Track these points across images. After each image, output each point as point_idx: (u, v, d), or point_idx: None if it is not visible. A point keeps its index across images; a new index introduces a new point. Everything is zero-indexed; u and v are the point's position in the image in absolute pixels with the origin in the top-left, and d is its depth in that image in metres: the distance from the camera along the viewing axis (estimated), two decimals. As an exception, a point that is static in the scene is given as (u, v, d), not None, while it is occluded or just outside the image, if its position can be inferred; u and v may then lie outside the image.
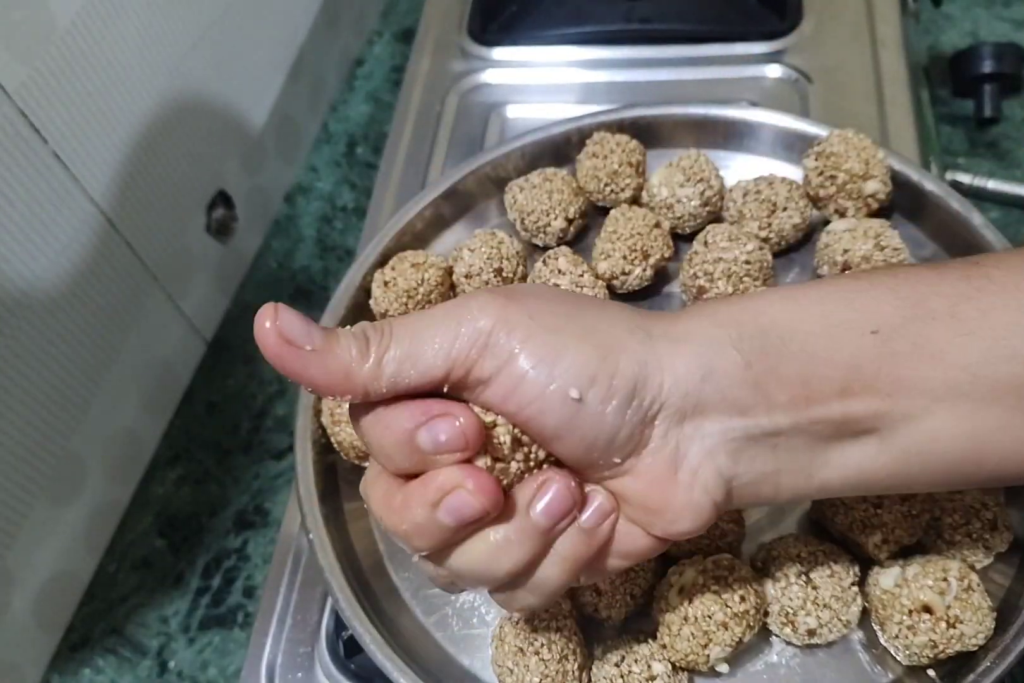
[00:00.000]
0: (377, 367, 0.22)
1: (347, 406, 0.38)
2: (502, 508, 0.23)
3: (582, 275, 0.40)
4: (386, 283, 0.41)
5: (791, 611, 0.32)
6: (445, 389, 0.23)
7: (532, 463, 0.24)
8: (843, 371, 0.24)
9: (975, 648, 0.31)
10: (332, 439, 0.39)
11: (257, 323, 0.22)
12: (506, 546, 0.23)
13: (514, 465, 0.24)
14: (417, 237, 0.45)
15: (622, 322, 0.24)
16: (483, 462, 0.23)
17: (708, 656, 0.31)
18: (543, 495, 0.23)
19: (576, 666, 0.32)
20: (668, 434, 0.24)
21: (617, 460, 0.24)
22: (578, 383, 0.22)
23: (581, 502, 0.24)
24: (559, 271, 0.40)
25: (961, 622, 0.30)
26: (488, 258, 0.41)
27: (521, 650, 0.32)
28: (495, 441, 0.23)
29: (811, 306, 0.24)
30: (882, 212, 0.42)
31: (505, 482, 0.24)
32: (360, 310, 0.42)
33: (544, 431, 0.23)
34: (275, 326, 0.22)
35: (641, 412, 0.23)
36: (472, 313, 0.23)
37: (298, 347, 0.22)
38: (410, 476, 0.23)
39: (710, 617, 0.31)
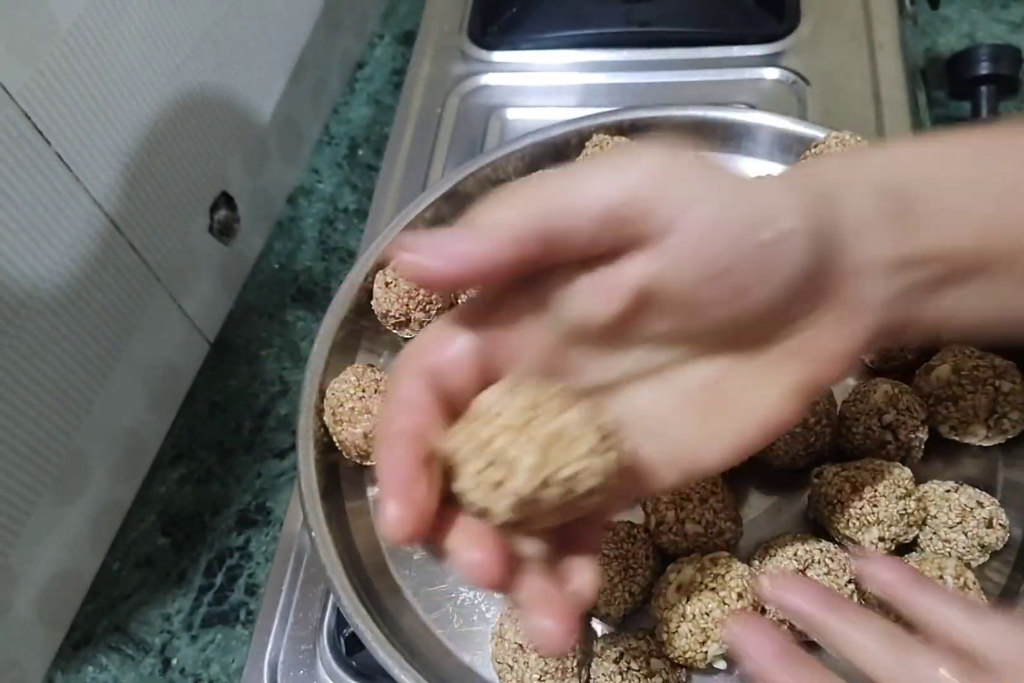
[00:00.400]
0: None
1: (348, 406, 0.38)
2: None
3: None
4: (387, 284, 0.42)
5: (788, 608, 0.32)
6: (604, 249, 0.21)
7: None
8: (975, 228, 0.24)
9: (970, 645, 0.31)
10: (334, 438, 0.39)
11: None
12: None
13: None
14: (418, 238, 0.45)
15: (769, 177, 0.24)
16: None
17: (706, 653, 0.31)
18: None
19: (575, 662, 0.32)
20: (849, 284, 0.23)
21: (807, 308, 0.23)
22: (767, 223, 0.22)
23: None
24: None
25: (956, 619, 0.30)
26: (488, 259, 0.41)
27: (521, 646, 0.32)
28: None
29: (947, 164, 0.24)
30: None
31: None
32: (362, 311, 0.43)
33: (736, 288, 0.22)
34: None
35: (828, 256, 0.23)
36: (631, 162, 0.21)
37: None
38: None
39: (708, 614, 0.31)
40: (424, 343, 0.23)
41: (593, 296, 0.22)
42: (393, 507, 0.20)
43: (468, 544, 0.21)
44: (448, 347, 0.23)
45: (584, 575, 0.23)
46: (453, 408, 0.23)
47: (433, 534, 0.21)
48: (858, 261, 0.23)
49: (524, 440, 0.20)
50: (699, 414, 0.24)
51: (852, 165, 0.25)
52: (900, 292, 0.24)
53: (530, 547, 0.22)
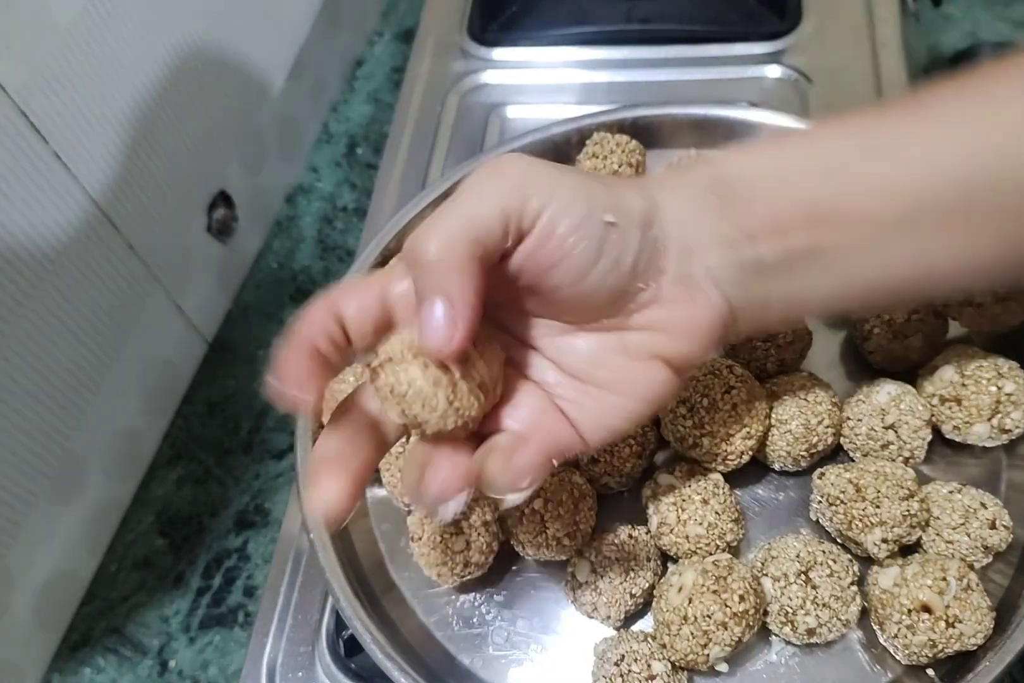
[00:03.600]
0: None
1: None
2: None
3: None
4: (386, 283, 0.41)
5: (790, 611, 0.32)
6: (509, 242, 0.25)
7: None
8: (803, 207, 0.27)
9: (974, 647, 0.31)
10: (332, 439, 0.39)
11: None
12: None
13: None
14: (417, 237, 0.45)
15: (622, 180, 0.28)
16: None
17: (708, 655, 0.31)
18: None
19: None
20: (680, 264, 0.27)
21: (642, 286, 0.27)
22: (609, 209, 0.26)
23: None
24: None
25: (960, 621, 0.30)
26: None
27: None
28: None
29: (772, 155, 0.29)
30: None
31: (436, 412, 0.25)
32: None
33: (585, 261, 0.25)
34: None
35: (657, 240, 0.26)
36: (505, 171, 0.25)
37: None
38: None
39: (710, 617, 0.31)
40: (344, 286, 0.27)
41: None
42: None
43: None
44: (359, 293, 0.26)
45: None
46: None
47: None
48: (690, 242, 0.27)
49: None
50: (586, 389, 0.28)
51: (683, 171, 0.30)
52: (736, 269, 0.27)
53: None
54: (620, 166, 0.43)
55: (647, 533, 0.35)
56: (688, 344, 0.28)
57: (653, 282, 0.27)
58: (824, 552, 0.33)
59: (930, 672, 0.32)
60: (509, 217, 0.25)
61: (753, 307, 0.28)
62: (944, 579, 0.31)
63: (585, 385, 0.28)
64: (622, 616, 0.34)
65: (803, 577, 0.32)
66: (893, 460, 0.35)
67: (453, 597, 0.36)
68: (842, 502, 0.33)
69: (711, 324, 0.28)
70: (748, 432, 0.35)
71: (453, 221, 0.24)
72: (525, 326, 0.28)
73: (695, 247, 0.27)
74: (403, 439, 0.37)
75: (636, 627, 0.35)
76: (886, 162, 0.27)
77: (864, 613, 0.33)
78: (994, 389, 0.35)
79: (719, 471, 0.36)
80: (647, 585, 0.34)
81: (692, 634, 0.31)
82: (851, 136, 0.28)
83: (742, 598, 0.31)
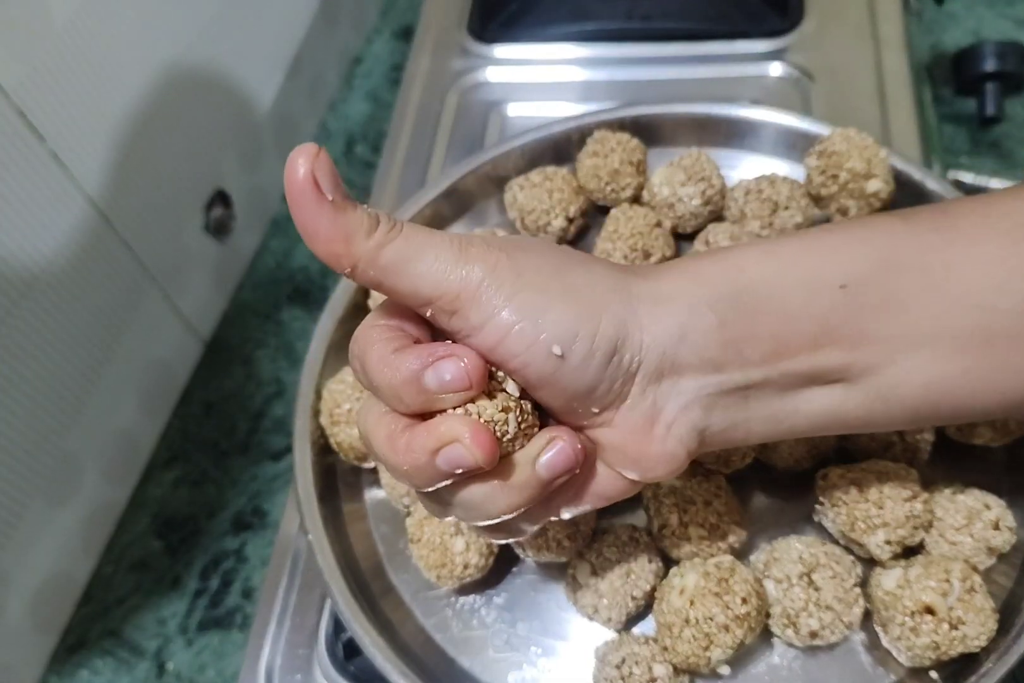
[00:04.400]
0: (377, 250, 0.23)
1: (345, 407, 0.38)
2: (498, 460, 0.24)
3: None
4: (385, 282, 0.41)
5: (793, 613, 0.32)
6: (428, 313, 0.24)
7: (530, 417, 0.25)
8: (813, 326, 0.25)
9: (977, 650, 0.30)
10: (331, 440, 0.38)
11: (292, 158, 0.22)
12: (504, 492, 0.24)
13: (512, 418, 0.24)
14: (416, 236, 0.45)
15: (606, 280, 0.25)
16: (491, 411, 0.24)
17: (709, 658, 0.31)
18: (550, 450, 0.25)
19: None
20: (646, 391, 0.25)
21: (595, 410, 0.25)
22: (561, 340, 0.23)
23: (583, 460, 0.25)
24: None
25: (963, 623, 0.30)
26: (488, 257, 0.41)
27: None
28: (500, 389, 0.24)
29: (788, 261, 0.26)
30: (884, 211, 0.42)
31: (507, 435, 0.24)
32: (359, 309, 0.42)
33: (528, 382, 0.24)
34: (310, 166, 0.22)
35: (621, 369, 0.24)
36: (469, 258, 0.23)
37: (320, 192, 0.22)
38: (415, 416, 0.24)
39: (711, 619, 0.30)
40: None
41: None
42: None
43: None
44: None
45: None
46: None
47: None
48: (665, 366, 0.25)
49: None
50: None
51: (690, 275, 0.26)
52: (716, 394, 0.25)
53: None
54: (621, 164, 0.43)
55: (648, 535, 0.35)
56: (640, 470, 0.26)
57: (610, 410, 0.25)
58: (827, 554, 0.32)
59: (933, 674, 0.32)
60: (440, 299, 0.23)
61: (727, 430, 0.26)
62: (947, 581, 0.31)
63: None
64: (623, 618, 0.33)
65: (806, 579, 0.32)
66: (896, 461, 0.35)
67: (452, 599, 0.36)
68: (845, 504, 0.33)
69: (668, 458, 0.26)
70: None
71: (396, 245, 0.23)
72: None
73: (670, 371, 0.25)
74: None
75: (637, 629, 0.34)
76: (910, 280, 0.25)
77: (867, 615, 0.33)
78: (998, 389, 0.35)
79: (721, 472, 0.36)
80: (648, 587, 0.33)
81: (694, 637, 0.31)
82: (874, 249, 0.25)
83: (744, 600, 0.31)
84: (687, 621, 0.31)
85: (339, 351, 0.41)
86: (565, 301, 0.24)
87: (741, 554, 0.35)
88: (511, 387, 0.25)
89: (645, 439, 0.25)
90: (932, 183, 0.41)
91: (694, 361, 0.25)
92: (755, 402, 0.26)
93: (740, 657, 0.32)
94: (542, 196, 0.42)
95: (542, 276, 0.24)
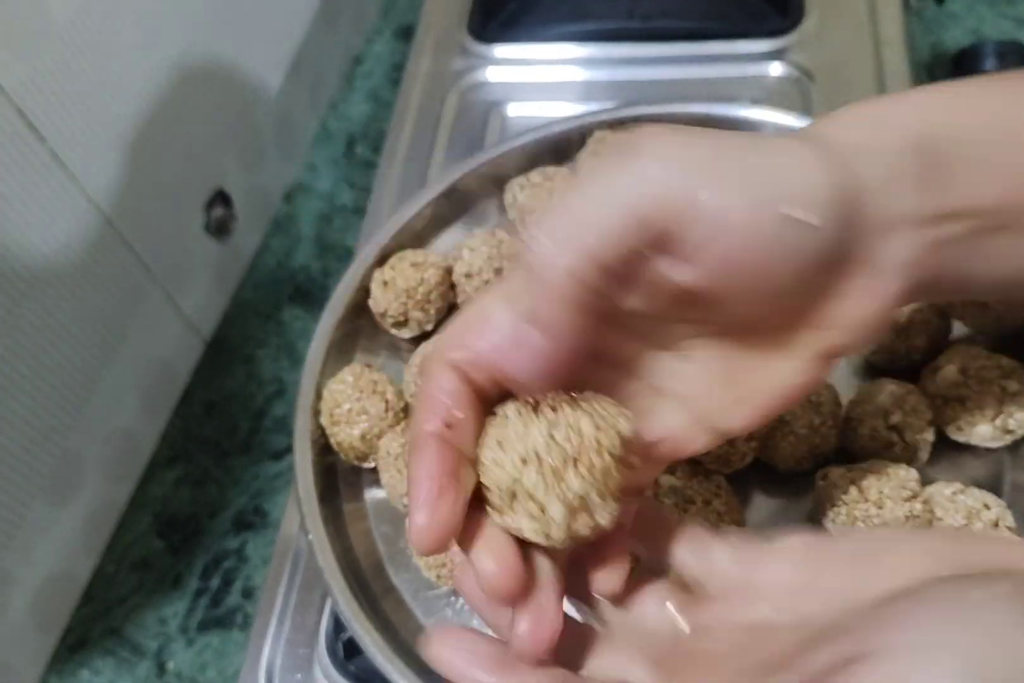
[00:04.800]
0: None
1: (345, 407, 0.38)
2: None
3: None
4: (385, 283, 0.41)
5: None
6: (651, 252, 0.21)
7: None
8: (1006, 174, 0.23)
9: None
10: (331, 440, 0.38)
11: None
12: None
13: None
14: (416, 236, 0.45)
15: (794, 140, 0.23)
16: None
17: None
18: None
19: None
20: (864, 250, 0.23)
21: (825, 283, 0.23)
22: (785, 197, 0.21)
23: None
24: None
25: (964, 624, 0.30)
26: (488, 257, 0.41)
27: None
28: None
29: (989, 106, 0.24)
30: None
31: None
32: (359, 309, 0.42)
33: (773, 263, 0.22)
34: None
35: (852, 226, 0.22)
36: (647, 165, 0.21)
37: None
38: None
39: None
40: (465, 325, 0.23)
41: (636, 297, 0.23)
42: (420, 518, 0.21)
43: (489, 555, 0.21)
44: (487, 332, 0.22)
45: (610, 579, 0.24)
46: (488, 398, 0.23)
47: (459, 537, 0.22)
48: (884, 222, 0.23)
49: (549, 479, 0.21)
50: (720, 385, 0.25)
51: (875, 124, 0.24)
52: (927, 251, 0.23)
53: (546, 565, 0.22)
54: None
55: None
56: (855, 335, 0.24)
57: (843, 273, 0.23)
58: (827, 554, 0.32)
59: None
60: (646, 229, 0.21)
61: (926, 285, 0.24)
62: (948, 581, 0.31)
63: (711, 385, 0.25)
64: (623, 618, 0.33)
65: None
66: (896, 461, 0.35)
67: (453, 599, 0.36)
68: (845, 503, 0.33)
69: (886, 312, 0.24)
70: (750, 433, 0.35)
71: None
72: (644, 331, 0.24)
73: (881, 227, 0.23)
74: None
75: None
76: None
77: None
78: (998, 389, 0.35)
79: (721, 472, 0.36)
80: (648, 587, 0.33)
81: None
82: None
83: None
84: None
85: (339, 351, 0.41)
86: (768, 165, 0.22)
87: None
88: None
89: (870, 297, 0.23)
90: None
91: (901, 216, 0.23)
92: (949, 260, 0.24)
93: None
94: (542, 196, 0.42)
95: (726, 149, 0.22)
